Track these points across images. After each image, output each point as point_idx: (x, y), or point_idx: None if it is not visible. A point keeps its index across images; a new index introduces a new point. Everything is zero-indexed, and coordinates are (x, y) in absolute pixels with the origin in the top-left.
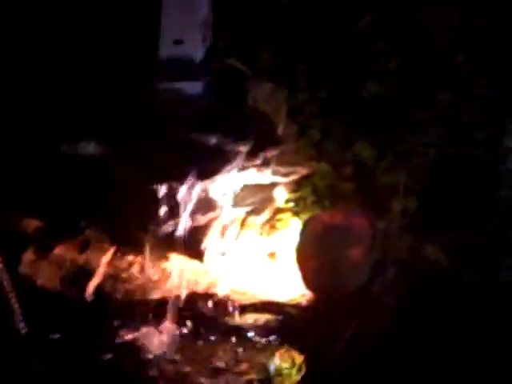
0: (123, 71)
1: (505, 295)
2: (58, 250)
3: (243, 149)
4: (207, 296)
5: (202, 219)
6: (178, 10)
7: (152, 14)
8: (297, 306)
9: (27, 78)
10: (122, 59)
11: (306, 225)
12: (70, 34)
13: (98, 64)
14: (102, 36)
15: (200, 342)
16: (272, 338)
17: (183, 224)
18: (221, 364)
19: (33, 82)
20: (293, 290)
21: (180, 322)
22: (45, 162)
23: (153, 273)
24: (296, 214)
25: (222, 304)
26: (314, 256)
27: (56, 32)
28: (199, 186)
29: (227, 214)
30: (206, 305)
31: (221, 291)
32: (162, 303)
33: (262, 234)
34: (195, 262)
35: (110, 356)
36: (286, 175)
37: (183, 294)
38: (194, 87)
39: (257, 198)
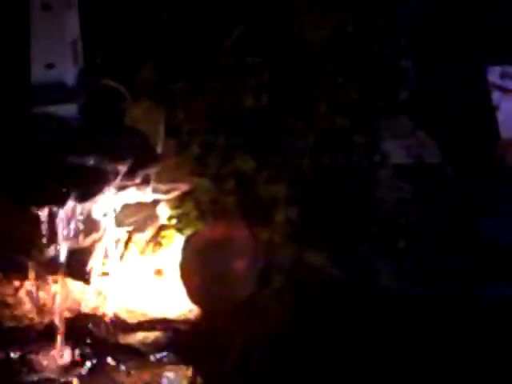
0: None
1: (386, 299)
2: None
3: (122, 168)
4: (95, 317)
5: (85, 241)
6: (47, 34)
7: (21, 40)
8: (185, 322)
9: None
10: None
11: (187, 241)
12: None
13: None
14: None
15: (91, 363)
16: (162, 354)
17: (66, 247)
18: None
19: None
20: (180, 306)
21: (70, 345)
22: None
23: (40, 297)
24: (179, 230)
25: (110, 324)
26: (198, 271)
27: None
28: (80, 208)
29: (110, 234)
30: (95, 325)
31: (109, 311)
32: (51, 327)
33: (146, 252)
34: (81, 284)
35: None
36: (167, 192)
37: (72, 316)
38: (68, 110)
39: (139, 217)
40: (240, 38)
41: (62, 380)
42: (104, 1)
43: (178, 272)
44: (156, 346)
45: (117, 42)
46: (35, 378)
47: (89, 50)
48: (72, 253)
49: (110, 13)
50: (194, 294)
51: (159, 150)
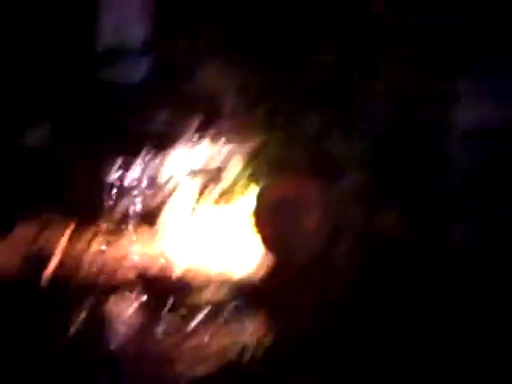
0: (64, 61)
1: (455, 262)
2: (13, 236)
3: (194, 124)
4: (167, 273)
5: (156, 196)
6: None
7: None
8: (257, 275)
9: None
10: (63, 49)
11: (260, 195)
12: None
13: (39, 54)
14: (42, 26)
15: (165, 319)
16: (235, 309)
17: (139, 200)
18: (189, 340)
19: None
20: (252, 258)
21: (141, 301)
22: None
23: (109, 254)
24: (251, 183)
25: (182, 280)
26: (270, 225)
27: None
28: (151, 164)
29: (182, 188)
30: (167, 282)
31: (180, 266)
32: (122, 283)
33: (218, 205)
34: (153, 240)
35: (75, 337)
36: (238, 147)
37: (144, 269)
38: (135, 72)
39: (212, 169)
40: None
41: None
42: None
43: (250, 223)
44: (228, 298)
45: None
46: (111, 329)
47: (158, 12)
48: (143, 209)
49: None
50: (266, 247)
51: (231, 106)
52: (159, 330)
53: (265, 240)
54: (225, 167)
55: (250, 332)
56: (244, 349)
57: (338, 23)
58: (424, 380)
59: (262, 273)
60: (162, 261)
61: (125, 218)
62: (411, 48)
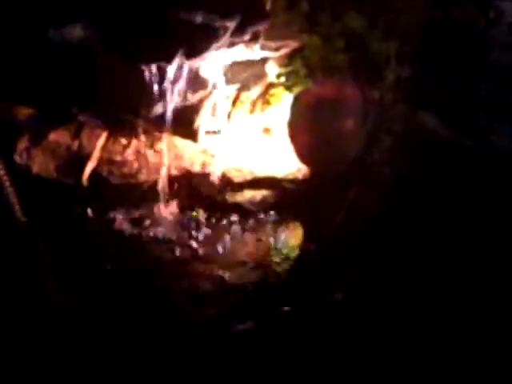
0: None
1: (497, 161)
2: (51, 137)
3: (230, 24)
4: (203, 175)
5: (193, 98)
6: None
7: None
8: (293, 181)
9: None
10: None
11: (297, 98)
12: None
13: None
14: None
15: (200, 221)
16: (271, 213)
17: (175, 104)
18: (225, 242)
19: None
20: (288, 164)
21: (178, 202)
22: (33, 48)
23: (147, 155)
24: (288, 88)
25: (218, 182)
26: (307, 129)
27: None
28: (188, 65)
29: (218, 91)
30: (203, 183)
31: (217, 169)
32: (159, 184)
33: (254, 110)
34: (189, 142)
35: (113, 238)
36: (276, 49)
37: (179, 174)
38: None
39: (248, 74)
40: None
41: (173, 238)
42: None
43: (286, 130)
44: (264, 205)
45: None
46: (146, 236)
47: None
48: (180, 110)
49: None
50: (303, 153)
51: (268, 5)
52: (198, 230)
53: (303, 144)
54: (263, 69)
55: (284, 239)
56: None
57: None
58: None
59: (299, 179)
60: (202, 158)
61: (164, 117)
62: None
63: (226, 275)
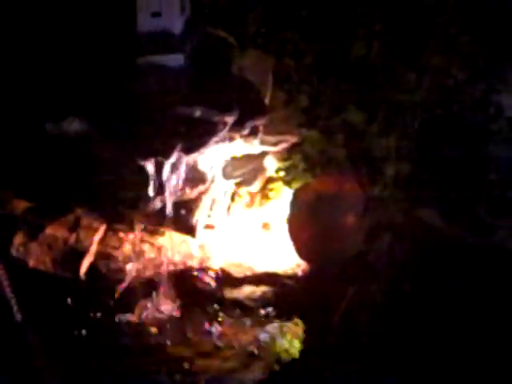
0: (103, 48)
1: (500, 258)
2: (48, 231)
3: (229, 119)
4: (202, 270)
5: (191, 193)
6: None
7: None
8: (292, 277)
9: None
10: (101, 36)
11: (296, 194)
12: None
13: (77, 42)
14: (79, 14)
15: (197, 317)
16: (269, 309)
17: (172, 199)
18: (219, 338)
19: (15, 62)
20: (288, 260)
21: (176, 298)
22: (30, 141)
23: (145, 249)
24: (287, 182)
25: (216, 277)
26: (306, 225)
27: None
28: (187, 159)
29: (217, 186)
30: (201, 279)
31: (215, 264)
32: (157, 280)
33: (253, 204)
34: (187, 237)
35: (108, 335)
36: (275, 144)
37: (177, 269)
38: (174, 60)
39: (246, 169)
40: None
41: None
42: None
43: (285, 226)
44: (262, 301)
45: None
46: (142, 332)
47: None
48: (178, 205)
49: None
50: (302, 249)
51: (267, 100)
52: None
53: (302, 240)
54: (262, 164)
55: (281, 334)
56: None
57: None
58: None
59: (299, 275)
60: (200, 254)
61: (162, 211)
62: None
63: (226, 369)
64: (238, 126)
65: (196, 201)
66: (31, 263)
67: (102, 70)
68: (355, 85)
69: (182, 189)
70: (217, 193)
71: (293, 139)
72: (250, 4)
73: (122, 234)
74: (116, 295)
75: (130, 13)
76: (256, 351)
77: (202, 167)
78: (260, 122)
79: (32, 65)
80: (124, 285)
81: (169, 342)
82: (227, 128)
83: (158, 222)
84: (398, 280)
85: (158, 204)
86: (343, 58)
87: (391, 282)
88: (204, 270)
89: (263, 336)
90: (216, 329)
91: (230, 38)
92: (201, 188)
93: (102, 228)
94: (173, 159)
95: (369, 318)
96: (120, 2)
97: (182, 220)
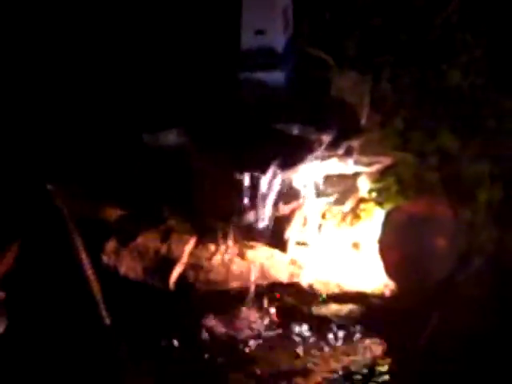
0: (205, 62)
1: None
2: (140, 239)
3: (326, 138)
4: (290, 285)
5: (284, 209)
6: (260, 4)
7: (233, 5)
8: (380, 297)
9: (110, 72)
10: (204, 50)
11: (389, 215)
12: (154, 25)
13: (180, 56)
14: (185, 28)
15: (284, 332)
16: (355, 328)
17: (266, 214)
18: (307, 356)
19: (115, 75)
20: (376, 280)
21: (263, 312)
22: (128, 152)
23: (235, 262)
24: (379, 204)
25: (305, 293)
26: (398, 247)
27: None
28: (282, 176)
29: (310, 203)
30: (289, 294)
31: (304, 281)
32: (245, 293)
33: (344, 223)
34: (278, 252)
35: (195, 346)
36: (369, 165)
37: (266, 284)
38: (275, 77)
39: (340, 188)
40: (452, 13)
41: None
42: None
43: (376, 246)
44: (349, 319)
45: (324, 12)
46: (229, 344)
47: (298, 18)
48: (271, 220)
49: None
50: (393, 269)
51: (363, 121)
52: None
53: (393, 261)
54: (355, 184)
55: (367, 355)
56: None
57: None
58: None
59: (386, 295)
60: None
61: (252, 230)
62: None
63: None
64: (333, 145)
65: (289, 217)
66: (122, 271)
67: (203, 83)
68: (450, 110)
69: (276, 204)
70: (309, 210)
71: (387, 161)
72: (348, 27)
73: (212, 246)
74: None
75: (234, 28)
76: (342, 371)
77: (296, 184)
78: (355, 143)
79: (135, 77)
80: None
81: (256, 358)
82: (323, 147)
83: (249, 235)
84: (486, 306)
85: (251, 218)
86: (439, 83)
87: (479, 307)
88: (293, 285)
89: (350, 356)
90: (302, 345)
91: (330, 59)
92: (294, 204)
93: (193, 239)
94: (269, 174)
95: (455, 344)
96: (225, 18)
97: (274, 235)
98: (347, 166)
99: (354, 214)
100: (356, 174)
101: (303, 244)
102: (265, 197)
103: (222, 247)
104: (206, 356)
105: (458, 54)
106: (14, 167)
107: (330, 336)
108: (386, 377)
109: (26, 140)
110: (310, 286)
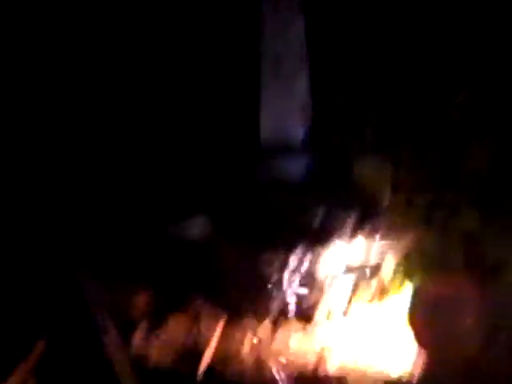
0: (227, 155)
1: None
2: (169, 325)
3: (351, 219)
4: (317, 372)
5: (312, 292)
6: (278, 96)
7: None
8: (411, 375)
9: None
10: (225, 142)
11: (417, 292)
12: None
13: (203, 145)
14: (206, 116)
15: None
16: None
17: (294, 295)
18: None
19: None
20: (405, 358)
21: None
22: (154, 241)
23: (263, 351)
24: (406, 279)
25: (333, 376)
26: (427, 323)
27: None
28: (309, 256)
29: (338, 280)
30: (318, 376)
31: (332, 363)
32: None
33: (372, 299)
34: (305, 336)
35: None
36: (394, 243)
37: (294, 365)
38: (296, 164)
39: (367, 264)
40: (466, 103)
41: None
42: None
43: (405, 321)
44: None
45: (345, 101)
46: None
47: (316, 108)
48: (299, 301)
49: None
50: (422, 345)
51: (386, 203)
52: None
53: (421, 339)
54: (380, 264)
55: None
56: None
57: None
58: None
59: (417, 372)
60: (318, 357)
61: (280, 313)
62: None
63: None
64: (358, 224)
65: (316, 297)
66: (153, 358)
67: (225, 173)
68: (472, 192)
69: (303, 285)
70: (337, 286)
71: (411, 239)
72: (365, 115)
73: (240, 333)
74: None
75: (253, 118)
76: None
77: (323, 263)
78: (379, 222)
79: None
80: None
81: None
82: (349, 225)
83: (278, 318)
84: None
85: (279, 299)
86: (460, 167)
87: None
88: (321, 367)
89: None
90: None
91: (349, 146)
92: (322, 283)
93: (222, 323)
94: (295, 255)
95: None
96: (245, 108)
97: (302, 316)
98: (373, 244)
99: (381, 289)
100: (382, 252)
101: (333, 325)
102: (292, 277)
103: (250, 333)
104: None
105: (475, 140)
106: (43, 257)
107: None
108: None
109: (55, 230)
110: (341, 367)
